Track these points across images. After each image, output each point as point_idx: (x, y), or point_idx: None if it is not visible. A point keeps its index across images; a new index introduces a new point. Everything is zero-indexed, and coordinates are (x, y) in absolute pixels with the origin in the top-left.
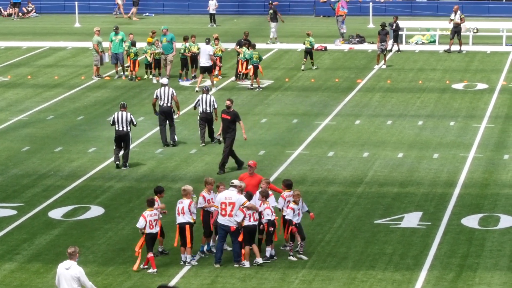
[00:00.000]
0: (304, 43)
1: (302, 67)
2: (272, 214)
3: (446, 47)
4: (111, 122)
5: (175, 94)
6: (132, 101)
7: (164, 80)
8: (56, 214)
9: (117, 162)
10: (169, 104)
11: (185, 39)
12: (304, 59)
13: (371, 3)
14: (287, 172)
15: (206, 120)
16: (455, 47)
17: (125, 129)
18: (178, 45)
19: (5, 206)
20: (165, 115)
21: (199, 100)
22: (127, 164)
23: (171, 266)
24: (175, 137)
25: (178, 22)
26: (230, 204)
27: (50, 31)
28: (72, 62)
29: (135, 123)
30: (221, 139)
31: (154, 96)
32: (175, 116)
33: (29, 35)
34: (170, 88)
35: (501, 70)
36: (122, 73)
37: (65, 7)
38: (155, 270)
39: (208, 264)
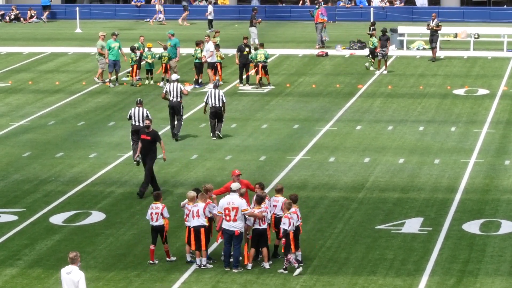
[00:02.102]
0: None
1: (371, 68)
2: (298, 220)
3: (447, 52)
4: (127, 117)
5: (183, 89)
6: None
7: (174, 76)
8: (57, 219)
9: (138, 159)
10: (178, 100)
11: (197, 44)
12: (372, 60)
13: (372, 8)
14: (288, 178)
15: (216, 114)
16: (455, 53)
17: (141, 124)
18: (188, 50)
19: (6, 211)
20: (174, 109)
21: (208, 95)
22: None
23: (172, 272)
24: (179, 132)
25: (178, 28)
26: (234, 209)
27: (51, 37)
28: (73, 67)
29: (150, 118)
30: (139, 159)
31: (164, 91)
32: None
33: (30, 40)
34: (178, 84)
35: (502, 76)
36: (116, 81)
37: (66, 12)
38: (153, 262)
39: (209, 269)
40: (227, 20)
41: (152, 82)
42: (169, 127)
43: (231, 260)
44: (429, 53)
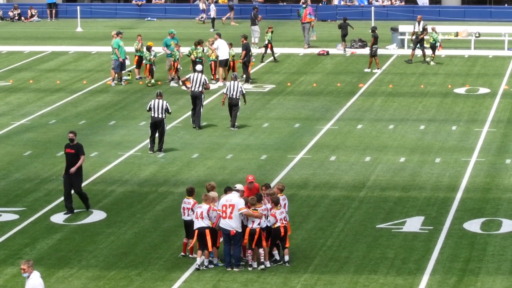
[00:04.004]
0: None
1: (432, 62)
2: (277, 222)
3: (448, 51)
4: (147, 109)
5: (207, 82)
6: (134, 106)
7: (199, 67)
8: (58, 218)
9: (151, 150)
10: (200, 90)
11: (199, 43)
12: (433, 55)
13: (373, 7)
14: (289, 177)
15: (233, 105)
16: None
17: (160, 116)
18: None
19: (7, 210)
20: (195, 99)
21: (227, 87)
22: (162, 149)
23: (173, 271)
24: (200, 121)
25: (179, 27)
26: (230, 206)
27: (52, 36)
28: (74, 66)
29: (170, 111)
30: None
31: (187, 77)
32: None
33: (31, 39)
34: (203, 75)
35: (503, 75)
36: (119, 79)
37: (67, 11)
38: (185, 254)
39: (210, 268)
40: (228, 19)
41: (153, 81)
42: (180, 119)
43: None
44: (429, 52)
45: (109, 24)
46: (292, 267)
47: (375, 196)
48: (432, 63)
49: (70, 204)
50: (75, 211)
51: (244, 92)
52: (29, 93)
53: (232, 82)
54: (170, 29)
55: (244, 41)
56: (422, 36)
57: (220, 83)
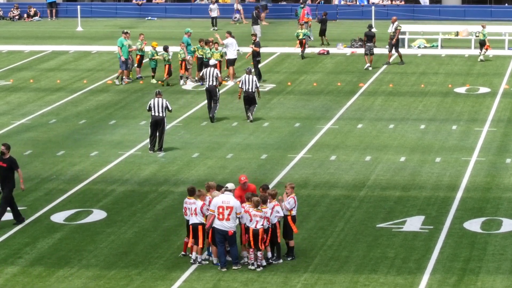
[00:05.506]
0: (478, 35)
1: (481, 57)
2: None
3: (449, 51)
4: (147, 108)
5: (219, 75)
6: (134, 105)
7: (212, 61)
8: (59, 217)
9: (151, 150)
10: (214, 84)
11: (206, 43)
12: (480, 51)
13: (373, 7)
14: (289, 176)
15: (249, 98)
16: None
17: (160, 115)
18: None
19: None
20: (210, 93)
21: (242, 80)
22: (162, 149)
23: (174, 270)
24: (215, 113)
25: (180, 26)
26: (228, 208)
27: (52, 35)
28: (74, 66)
29: (170, 109)
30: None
31: (201, 74)
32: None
33: (31, 39)
34: (215, 69)
35: (504, 74)
36: (121, 78)
37: (67, 11)
38: (184, 253)
39: (210, 267)
40: (228, 19)
41: (154, 81)
42: (180, 119)
43: (228, 259)
44: (429, 52)
45: (109, 23)
46: (292, 267)
47: (375, 195)
48: (481, 57)
49: (15, 211)
50: (24, 220)
51: (258, 85)
52: (29, 92)
53: (247, 76)
54: (186, 28)
55: (256, 39)
56: (396, 37)
57: (231, 82)
